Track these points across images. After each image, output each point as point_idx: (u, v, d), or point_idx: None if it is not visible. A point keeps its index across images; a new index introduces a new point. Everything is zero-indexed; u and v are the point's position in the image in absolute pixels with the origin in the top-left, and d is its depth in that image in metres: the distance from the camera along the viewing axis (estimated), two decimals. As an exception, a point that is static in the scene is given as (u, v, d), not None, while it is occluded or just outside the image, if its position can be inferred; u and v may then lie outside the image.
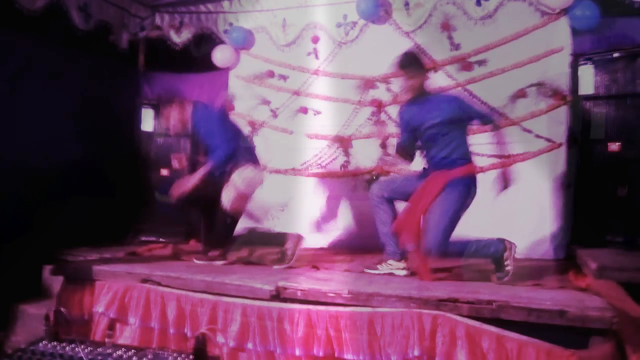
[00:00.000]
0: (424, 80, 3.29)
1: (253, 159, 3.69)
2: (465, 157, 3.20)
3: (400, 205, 3.36)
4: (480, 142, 4.16)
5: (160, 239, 4.64)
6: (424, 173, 3.28)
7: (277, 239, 3.67)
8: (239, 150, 3.58)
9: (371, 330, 2.63)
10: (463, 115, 3.22)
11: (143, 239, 4.68)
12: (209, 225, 3.62)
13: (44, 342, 2.89)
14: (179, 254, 4.01)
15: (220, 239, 3.53)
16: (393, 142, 3.64)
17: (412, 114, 3.32)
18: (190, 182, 3.47)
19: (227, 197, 3.42)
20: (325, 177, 4.71)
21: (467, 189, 3.11)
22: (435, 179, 3.13)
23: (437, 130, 3.18)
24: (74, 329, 3.19)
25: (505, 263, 3.05)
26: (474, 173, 3.20)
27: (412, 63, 3.29)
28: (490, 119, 3.29)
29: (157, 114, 4.88)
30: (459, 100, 3.30)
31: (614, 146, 3.72)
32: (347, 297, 2.76)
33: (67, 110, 4.42)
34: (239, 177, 3.43)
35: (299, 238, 3.65)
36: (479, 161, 4.12)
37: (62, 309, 3.17)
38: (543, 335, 2.40)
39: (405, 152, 3.44)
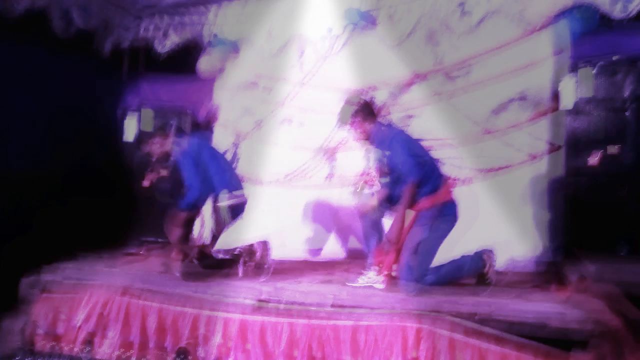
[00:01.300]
0: (370, 128, 3.24)
1: (233, 190, 3.66)
2: (427, 189, 3.06)
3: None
4: (461, 155, 4.25)
5: (141, 252, 4.57)
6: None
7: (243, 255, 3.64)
8: (223, 179, 3.59)
9: (354, 343, 2.62)
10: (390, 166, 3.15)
11: (125, 249, 4.60)
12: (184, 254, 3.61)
13: (19, 356, 2.84)
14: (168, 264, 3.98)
15: (189, 270, 3.50)
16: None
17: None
18: (175, 232, 3.49)
19: (195, 230, 3.41)
20: (310, 188, 4.70)
21: (437, 220, 3.02)
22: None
23: (392, 174, 3.17)
24: (51, 343, 3.13)
25: (487, 276, 3.07)
26: (443, 202, 3.07)
27: (358, 112, 3.27)
28: (407, 177, 3.05)
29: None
30: (381, 152, 3.19)
31: (594, 159, 3.77)
32: (330, 310, 2.75)
33: (47, 118, 4.36)
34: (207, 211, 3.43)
35: (266, 245, 3.61)
36: (463, 173, 4.20)
37: (38, 323, 3.13)
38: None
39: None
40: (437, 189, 3.06)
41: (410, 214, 3.05)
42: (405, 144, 3.15)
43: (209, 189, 3.54)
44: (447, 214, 3.07)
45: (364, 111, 3.26)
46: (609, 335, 2.41)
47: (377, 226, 3.39)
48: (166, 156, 3.72)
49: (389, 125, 3.20)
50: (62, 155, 4.38)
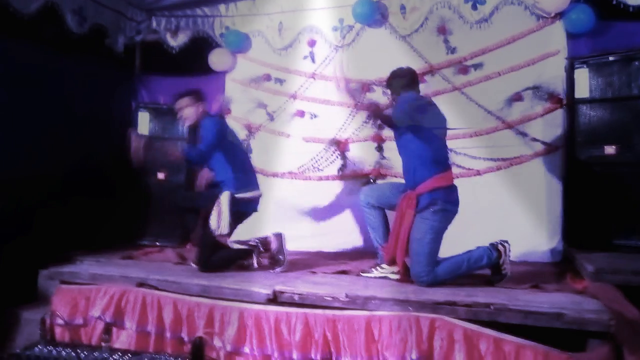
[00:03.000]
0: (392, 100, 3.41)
1: (249, 183, 3.64)
2: (423, 174, 3.06)
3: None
4: (475, 146, 4.23)
5: (157, 243, 4.63)
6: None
7: (259, 247, 3.63)
8: (232, 173, 3.55)
9: (369, 333, 2.63)
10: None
11: (140, 242, 4.66)
12: (199, 245, 3.62)
13: (40, 346, 2.88)
14: (182, 256, 4.04)
15: (205, 260, 3.51)
16: (389, 145, 3.63)
17: None
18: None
19: (213, 220, 3.41)
20: (322, 180, 4.71)
21: (437, 208, 3.02)
22: (403, 202, 3.11)
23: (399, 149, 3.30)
24: (70, 333, 3.18)
25: (502, 267, 3.06)
26: (441, 188, 3.05)
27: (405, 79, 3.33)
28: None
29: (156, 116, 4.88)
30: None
31: (610, 149, 3.73)
32: (345, 301, 2.76)
33: (60, 115, 4.38)
34: (225, 200, 3.42)
35: (281, 237, 3.61)
36: (474, 164, 4.18)
37: (58, 313, 3.17)
38: (541, 337, 2.40)
39: None
40: (432, 175, 3.05)
41: (410, 215, 3.06)
42: (400, 136, 3.22)
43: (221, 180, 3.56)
44: (446, 200, 3.06)
45: (394, 84, 3.36)
46: (626, 325, 2.40)
47: (381, 218, 3.40)
48: (195, 126, 3.61)
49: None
50: (68, 153, 4.39)
